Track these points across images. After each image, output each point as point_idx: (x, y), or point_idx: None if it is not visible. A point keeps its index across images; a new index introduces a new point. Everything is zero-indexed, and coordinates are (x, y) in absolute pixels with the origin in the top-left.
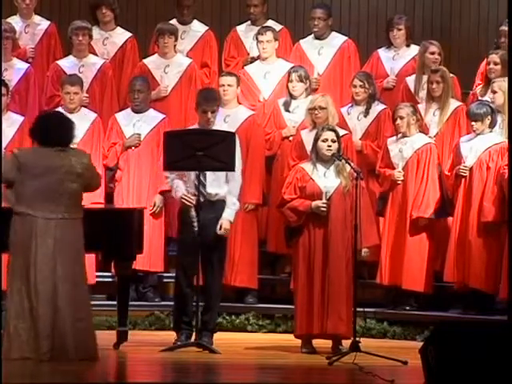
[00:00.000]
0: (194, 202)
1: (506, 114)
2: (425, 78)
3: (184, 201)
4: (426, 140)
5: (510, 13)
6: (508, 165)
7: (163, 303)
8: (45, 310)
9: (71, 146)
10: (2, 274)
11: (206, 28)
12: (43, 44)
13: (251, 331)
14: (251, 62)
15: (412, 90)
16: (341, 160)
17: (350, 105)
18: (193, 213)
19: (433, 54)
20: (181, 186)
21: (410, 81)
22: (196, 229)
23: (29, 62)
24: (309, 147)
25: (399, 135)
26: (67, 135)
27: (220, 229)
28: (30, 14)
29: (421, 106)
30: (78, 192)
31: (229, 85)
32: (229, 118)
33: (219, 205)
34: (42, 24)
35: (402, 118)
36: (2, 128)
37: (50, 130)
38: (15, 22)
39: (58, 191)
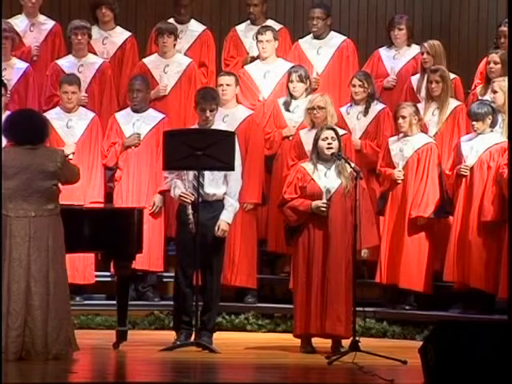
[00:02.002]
0: (192, 199)
1: (507, 113)
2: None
3: (182, 198)
4: (426, 140)
5: (509, 13)
6: (508, 164)
7: (163, 303)
8: (17, 309)
9: (44, 144)
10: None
11: (204, 27)
12: (48, 43)
13: (251, 331)
14: (251, 62)
15: (415, 89)
16: (340, 159)
17: (349, 104)
18: (189, 211)
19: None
20: (179, 185)
21: (415, 80)
22: (191, 226)
23: (33, 61)
24: (307, 147)
25: (401, 135)
26: (37, 133)
27: (218, 230)
28: (36, 12)
29: (420, 106)
30: (50, 190)
31: (227, 84)
32: (227, 117)
33: (217, 205)
34: (47, 23)
35: (404, 117)
36: (1, 128)
37: (18, 128)
38: (20, 20)
39: (28, 190)
